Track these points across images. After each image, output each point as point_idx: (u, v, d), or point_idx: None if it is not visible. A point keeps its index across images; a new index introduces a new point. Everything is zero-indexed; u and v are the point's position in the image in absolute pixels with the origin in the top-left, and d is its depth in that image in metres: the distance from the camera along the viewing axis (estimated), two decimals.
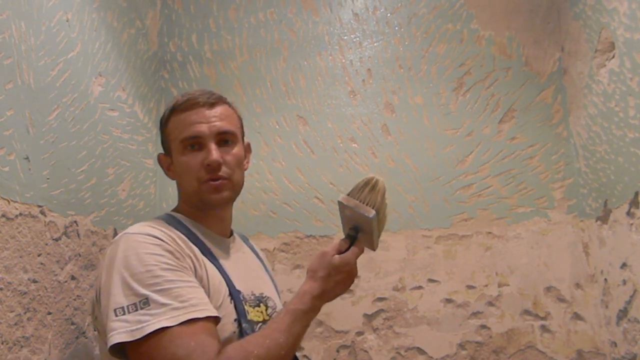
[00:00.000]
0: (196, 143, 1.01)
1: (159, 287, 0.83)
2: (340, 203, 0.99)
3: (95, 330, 1.24)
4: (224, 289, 0.95)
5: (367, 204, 0.96)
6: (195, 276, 0.90)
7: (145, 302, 0.81)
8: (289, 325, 0.87)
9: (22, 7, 1.05)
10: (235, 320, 0.93)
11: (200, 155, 1.00)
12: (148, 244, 0.88)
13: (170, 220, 1.01)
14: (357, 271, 0.97)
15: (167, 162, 1.08)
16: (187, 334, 0.80)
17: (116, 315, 0.81)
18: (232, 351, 0.82)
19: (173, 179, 1.09)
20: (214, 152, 0.99)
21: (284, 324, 0.88)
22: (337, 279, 0.94)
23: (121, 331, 0.80)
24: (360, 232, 0.99)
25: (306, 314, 0.90)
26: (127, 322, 0.80)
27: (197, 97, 1.03)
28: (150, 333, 0.79)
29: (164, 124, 1.07)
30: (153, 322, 0.79)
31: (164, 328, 0.79)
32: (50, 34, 1.15)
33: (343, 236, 1.01)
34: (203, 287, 0.90)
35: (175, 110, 1.03)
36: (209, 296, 0.89)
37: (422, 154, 1.66)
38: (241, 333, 0.92)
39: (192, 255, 0.93)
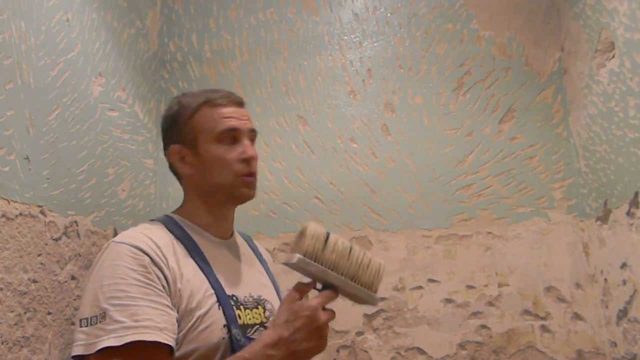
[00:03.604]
0: (232, 137, 1.01)
1: (118, 302, 0.82)
2: (285, 265, 0.93)
3: None
4: (212, 297, 0.93)
5: (298, 253, 0.89)
6: (169, 293, 0.88)
7: (103, 316, 0.81)
8: None
9: (22, 7, 1.05)
10: (224, 326, 0.91)
11: (237, 149, 1.00)
12: (125, 255, 0.87)
13: (167, 222, 1.00)
14: (323, 320, 0.88)
15: (182, 153, 1.04)
16: (129, 356, 0.79)
17: (80, 326, 0.82)
18: None
19: (186, 173, 1.04)
20: (252, 148, 1.02)
21: None
22: (296, 325, 0.85)
23: (79, 343, 0.81)
24: (330, 285, 0.91)
25: None
26: (85, 335, 0.81)
27: (229, 94, 1.05)
28: (99, 350, 0.79)
29: (189, 115, 1.03)
30: (103, 339, 0.79)
31: (108, 347, 0.79)
32: (50, 34, 1.15)
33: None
34: (179, 301, 0.88)
35: (208, 103, 1.02)
36: (188, 310, 0.88)
37: (422, 154, 1.66)
38: (231, 338, 0.91)
39: (174, 267, 0.90)
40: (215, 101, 1.02)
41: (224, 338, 0.91)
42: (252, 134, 1.05)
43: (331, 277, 0.90)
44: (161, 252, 0.90)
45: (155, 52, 1.77)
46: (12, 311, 0.95)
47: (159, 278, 0.87)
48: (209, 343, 0.88)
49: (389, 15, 1.76)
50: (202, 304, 0.91)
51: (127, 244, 0.89)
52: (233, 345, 0.90)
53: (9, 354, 0.94)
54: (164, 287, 0.87)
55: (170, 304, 0.87)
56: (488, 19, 1.71)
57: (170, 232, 0.97)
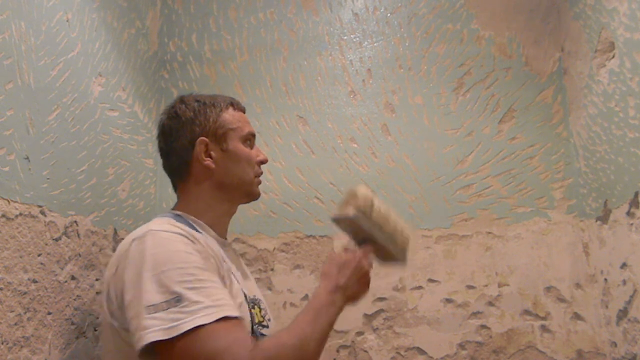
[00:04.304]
0: (251, 141, 1.13)
1: (191, 285, 0.83)
2: (333, 220, 1.08)
3: (95, 330, 1.24)
4: (241, 292, 0.97)
5: (347, 210, 1.04)
6: (219, 277, 0.91)
7: (178, 299, 0.81)
8: (312, 319, 0.90)
9: (22, 7, 1.05)
10: (250, 321, 0.95)
11: (254, 152, 1.12)
12: (177, 242, 0.89)
13: (181, 220, 1.00)
14: (368, 266, 1.03)
15: (209, 147, 1.07)
16: (223, 330, 0.81)
17: (148, 313, 0.81)
18: (267, 343, 0.84)
19: (208, 166, 1.06)
20: (264, 153, 1.15)
21: (308, 317, 0.90)
22: (347, 273, 0.98)
23: (155, 329, 0.80)
24: (368, 241, 1.06)
25: (325, 308, 0.93)
26: (160, 320, 0.80)
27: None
28: (186, 331, 0.79)
29: (218, 111, 1.09)
30: (188, 319, 0.80)
31: (201, 325, 0.79)
32: (50, 34, 1.15)
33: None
34: (225, 284, 0.92)
35: (233, 105, 1.13)
36: (231, 297, 0.91)
37: (422, 154, 1.66)
38: (253, 333, 0.94)
39: (214, 255, 0.94)
40: (238, 105, 1.14)
41: (249, 333, 0.94)
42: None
43: (376, 233, 1.04)
44: (199, 241, 0.93)
45: (155, 52, 1.77)
46: (12, 311, 0.95)
47: (210, 262, 0.91)
48: None
49: (389, 15, 1.76)
50: (236, 296, 0.94)
51: (170, 231, 0.91)
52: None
53: (9, 354, 0.94)
54: (216, 271, 0.91)
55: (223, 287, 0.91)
56: (488, 19, 1.71)
57: (190, 228, 0.98)
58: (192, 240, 0.91)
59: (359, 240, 1.06)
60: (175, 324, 0.79)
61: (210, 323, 0.80)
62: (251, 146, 1.12)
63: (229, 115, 1.11)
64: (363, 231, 1.04)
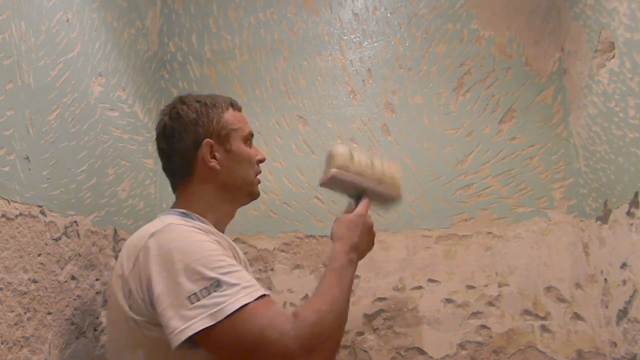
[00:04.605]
0: (251, 140, 1.16)
1: (225, 270, 0.86)
2: (321, 186, 1.13)
3: (95, 330, 1.24)
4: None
5: (330, 168, 1.09)
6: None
7: (217, 284, 0.83)
8: (337, 281, 0.95)
9: (22, 7, 1.05)
10: None
11: (253, 152, 1.15)
12: (198, 234, 0.92)
13: (187, 217, 1.02)
14: (371, 222, 1.10)
15: (213, 148, 1.08)
16: (263, 307, 0.84)
17: (191, 303, 0.82)
18: (305, 311, 0.86)
19: (212, 167, 1.07)
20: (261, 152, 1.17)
21: (333, 281, 0.94)
22: (357, 231, 1.05)
23: (202, 317, 0.81)
24: (361, 195, 1.11)
25: (346, 268, 0.98)
26: (204, 307, 0.81)
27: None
28: (232, 313, 0.81)
29: (220, 112, 1.11)
30: (231, 301, 0.82)
31: (244, 305, 0.82)
32: (50, 34, 1.15)
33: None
34: None
35: (233, 106, 1.15)
36: None
37: (422, 154, 1.66)
38: None
39: (230, 247, 0.98)
40: (237, 105, 1.16)
41: None
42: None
43: (363, 181, 1.10)
44: (213, 235, 0.97)
45: (155, 52, 1.77)
46: (12, 311, 0.95)
47: (228, 252, 0.95)
48: None
49: (389, 15, 1.76)
50: None
51: (187, 225, 0.95)
52: None
53: (9, 354, 0.94)
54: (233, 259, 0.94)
55: None
56: (488, 19, 1.71)
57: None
58: (207, 233, 0.95)
59: (355, 196, 1.12)
60: (220, 307, 0.81)
61: (252, 302, 0.83)
62: (250, 146, 1.15)
63: (230, 115, 1.12)
64: (352, 185, 1.10)
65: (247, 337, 0.81)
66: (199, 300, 0.82)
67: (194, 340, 0.82)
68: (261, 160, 1.16)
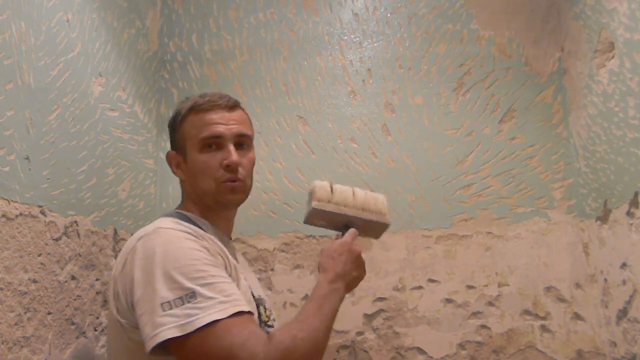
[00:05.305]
0: (215, 143, 1.03)
1: (203, 281, 0.83)
2: (305, 223, 1.11)
3: (95, 330, 1.24)
4: (249, 290, 0.98)
5: (310, 202, 1.07)
6: (226, 273, 0.91)
7: (192, 295, 0.81)
8: (317, 311, 0.90)
9: (22, 7, 1.05)
10: (258, 318, 0.96)
11: (219, 156, 1.02)
12: (186, 239, 0.89)
13: (185, 219, 1.00)
14: (359, 250, 1.03)
15: (176, 159, 1.08)
16: (238, 324, 0.81)
17: (163, 310, 0.81)
18: (280, 335, 0.84)
19: (180, 177, 1.09)
20: (234, 154, 1.02)
21: (313, 310, 0.91)
22: (341, 260, 0.99)
23: (171, 326, 0.80)
24: (348, 225, 1.07)
25: (327, 297, 0.93)
26: (175, 317, 0.80)
27: (217, 99, 1.05)
28: (202, 326, 0.79)
29: (179, 122, 1.07)
30: (203, 315, 0.80)
31: (216, 320, 0.80)
32: (50, 34, 1.15)
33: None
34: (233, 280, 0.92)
35: (194, 109, 1.05)
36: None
37: (422, 154, 1.66)
38: None
39: (221, 253, 0.94)
40: (200, 107, 1.05)
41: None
42: (241, 138, 1.06)
43: (346, 210, 1.07)
44: (204, 239, 0.93)
45: (155, 52, 1.77)
46: (12, 311, 0.95)
47: (218, 259, 0.91)
48: None
49: (389, 15, 1.76)
50: (244, 292, 0.95)
51: (177, 229, 0.91)
52: None
53: (9, 354, 0.94)
54: (224, 268, 0.91)
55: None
56: (488, 19, 1.71)
57: (195, 226, 0.98)
58: (198, 238, 0.91)
59: (341, 227, 1.08)
60: (190, 319, 0.79)
61: (225, 318, 0.81)
62: (220, 147, 1.03)
63: (188, 122, 1.06)
64: (335, 216, 1.06)
65: (215, 354, 0.79)
66: (171, 309, 0.81)
67: (167, 348, 0.82)
68: (228, 164, 1.02)
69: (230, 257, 0.97)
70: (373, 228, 1.11)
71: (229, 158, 1.02)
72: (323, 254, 1.02)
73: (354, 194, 1.09)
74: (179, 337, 0.79)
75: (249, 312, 0.85)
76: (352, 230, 1.05)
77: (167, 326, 0.79)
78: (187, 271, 0.84)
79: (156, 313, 0.81)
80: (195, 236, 0.91)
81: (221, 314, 0.81)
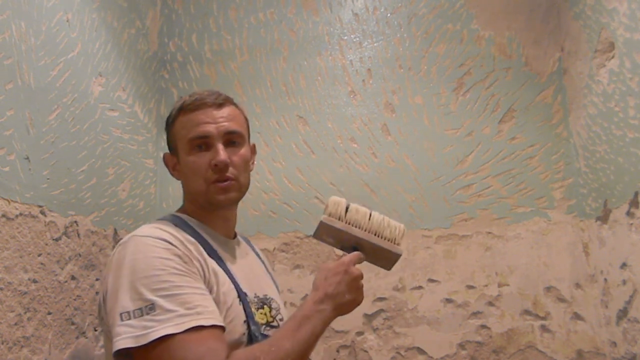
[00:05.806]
0: (203, 143, 1.00)
1: (165, 293, 0.82)
2: (314, 237, 1.05)
3: (95, 330, 1.24)
4: (233, 292, 0.95)
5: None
6: (204, 281, 0.89)
7: (151, 307, 0.80)
8: (293, 331, 0.87)
9: (22, 7, 1.05)
10: (244, 321, 0.93)
11: (208, 156, 1.00)
12: (157, 248, 0.87)
13: (176, 221, 0.99)
14: (357, 273, 0.97)
15: (172, 161, 1.07)
16: (195, 340, 0.79)
17: (122, 320, 0.81)
18: (241, 355, 0.82)
19: (178, 179, 1.08)
20: (222, 153, 0.99)
21: (289, 330, 0.87)
22: (334, 281, 0.94)
23: (126, 336, 0.79)
24: (357, 248, 1.01)
25: (309, 319, 0.89)
26: (132, 327, 0.80)
27: (205, 97, 1.02)
28: (156, 339, 0.78)
29: (170, 123, 1.06)
30: (158, 328, 0.79)
31: (170, 335, 0.78)
32: (50, 34, 1.15)
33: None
34: (211, 290, 0.90)
35: (182, 110, 1.03)
36: (218, 300, 0.89)
37: (422, 154, 1.66)
38: (250, 334, 0.92)
39: (200, 258, 0.92)
40: (188, 107, 1.02)
41: (244, 334, 0.92)
42: (231, 136, 1.02)
43: (356, 232, 1.00)
44: (184, 244, 0.91)
45: (155, 52, 1.77)
46: (12, 311, 0.95)
47: (194, 266, 0.88)
48: (232, 338, 0.88)
49: (389, 15, 1.76)
50: (227, 297, 0.92)
51: (152, 237, 0.89)
52: (252, 342, 0.91)
53: (9, 354, 0.94)
54: (199, 275, 0.89)
55: (206, 291, 0.88)
56: (488, 19, 1.71)
57: (182, 230, 0.96)
58: (174, 245, 0.89)
59: (349, 248, 1.02)
60: (145, 332, 0.79)
61: (180, 333, 0.79)
62: (208, 147, 1.00)
63: (178, 123, 1.03)
64: (344, 234, 1.01)
65: None
66: (129, 319, 0.80)
67: (131, 358, 0.81)
68: (216, 164, 0.98)
69: (210, 261, 0.94)
70: (383, 256, 1.03)
71: (216, 157, 0.98)
72: (319, 271, 0.98)
73: (370, 216, 1.02)
74: (139, 348, 0.79)
75: (213, 326, 0.82)
76: (356, 253, 1.00)
77: (122, 336, 0.79)
78: (150, 282, 0.83)
79: (116, 322, 0.81)
80: (171, 243, 0.89)
81: (176, 327, 0.79)
